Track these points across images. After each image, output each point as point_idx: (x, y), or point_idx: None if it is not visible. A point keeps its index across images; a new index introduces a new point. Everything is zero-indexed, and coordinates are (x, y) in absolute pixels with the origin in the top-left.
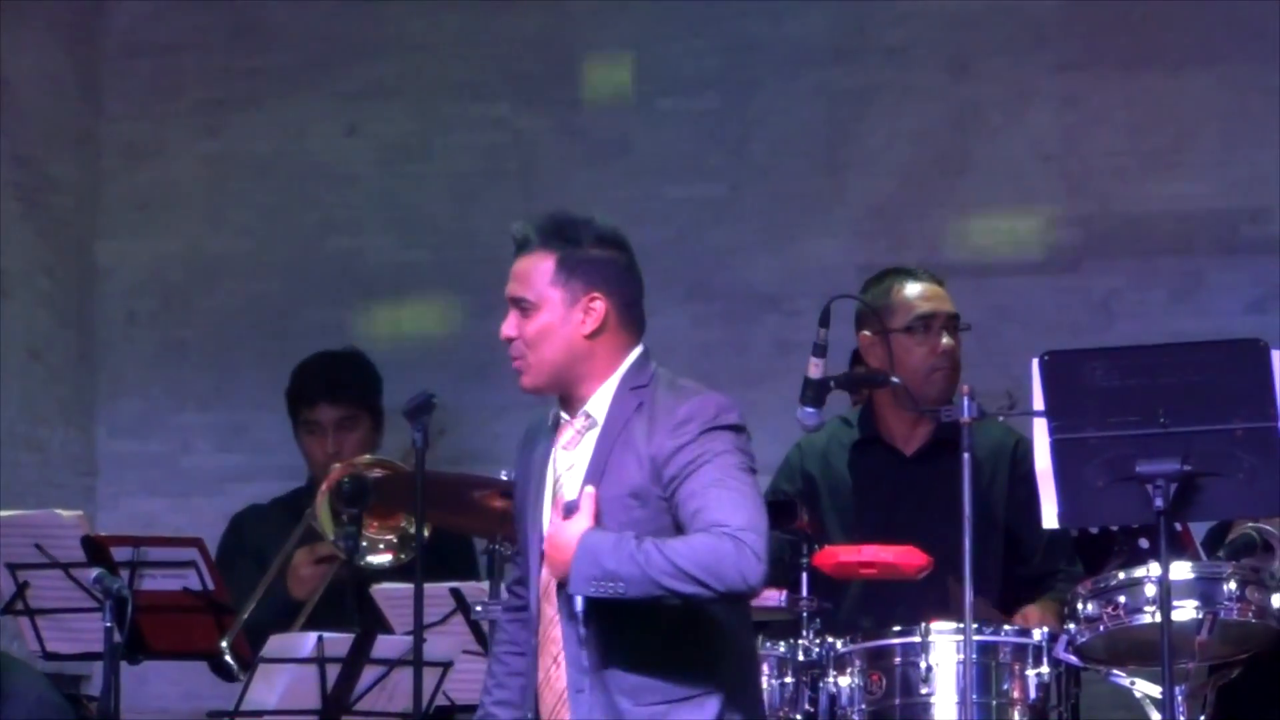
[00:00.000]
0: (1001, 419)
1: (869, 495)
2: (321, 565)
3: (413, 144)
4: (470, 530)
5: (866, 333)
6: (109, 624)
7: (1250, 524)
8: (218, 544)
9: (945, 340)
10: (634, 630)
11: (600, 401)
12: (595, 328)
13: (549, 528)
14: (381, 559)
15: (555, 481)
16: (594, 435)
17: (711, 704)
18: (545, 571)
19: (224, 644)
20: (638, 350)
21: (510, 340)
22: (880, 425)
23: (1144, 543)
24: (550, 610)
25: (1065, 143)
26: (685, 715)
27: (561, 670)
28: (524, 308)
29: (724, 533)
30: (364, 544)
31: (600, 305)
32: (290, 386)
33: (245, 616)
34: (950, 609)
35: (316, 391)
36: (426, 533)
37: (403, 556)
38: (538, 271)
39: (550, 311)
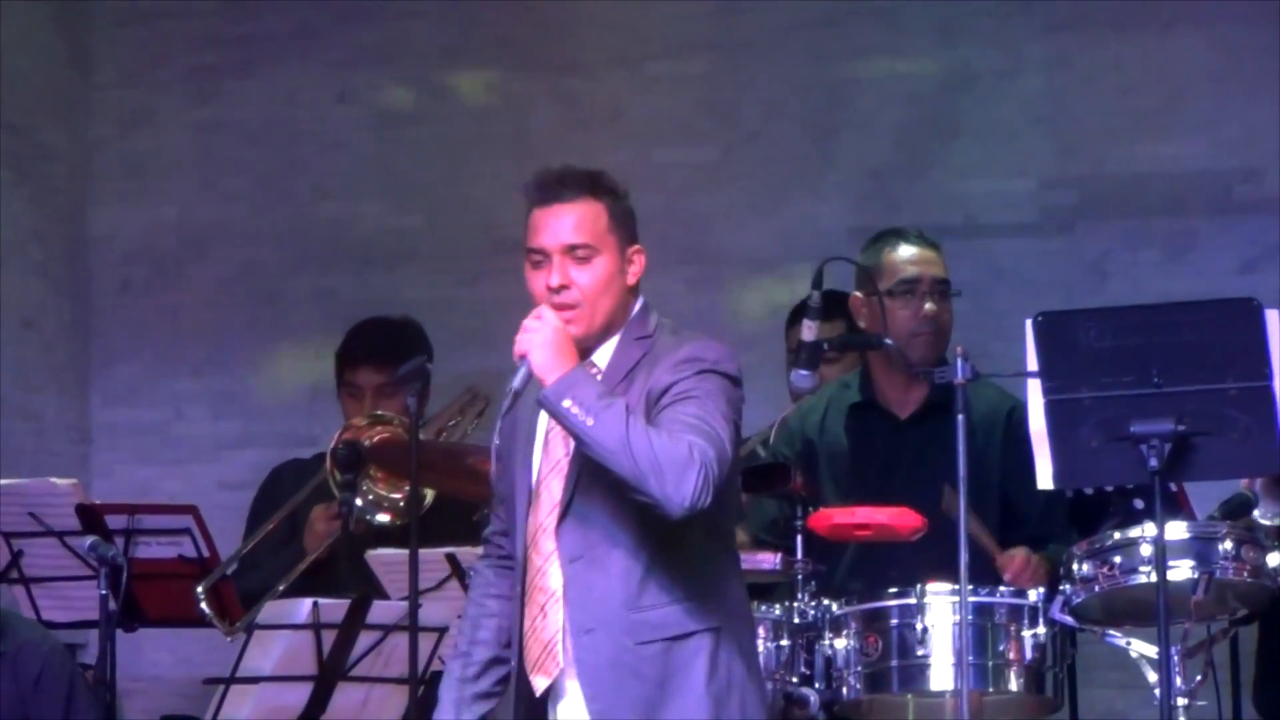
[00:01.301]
0: (997, 382)
1: (865, 458)
2: (336, 521)
3: (404, 110)
4: (465, 495)
5: (858, 294)
6: (104, 592)
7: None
8: (255, 493)
9: (928, 305)
10: (637, 569)
11: (605, 351)
12: (635, 281)
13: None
14: (383, 518)
15: (548, 431)
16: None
17: (707, 644)
18: (533, 519)
19: (199, 589)
20: (640, 301)
21: (560, 289)
22: (876, 388)
23: (1139, 503)
24: (539, 559)
25: (1057, 104)
26: (684, 655)
27: (549, 619)
28: (581, 255)
29: (691, 443)
30: (370, 499)
31: (641, 258)
32: (340, 347)
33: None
34: (941, 509)
35: (361, 355)
36: (431, 497)
37: (398, 521)
38: (592, 218)
39: (610, 259)
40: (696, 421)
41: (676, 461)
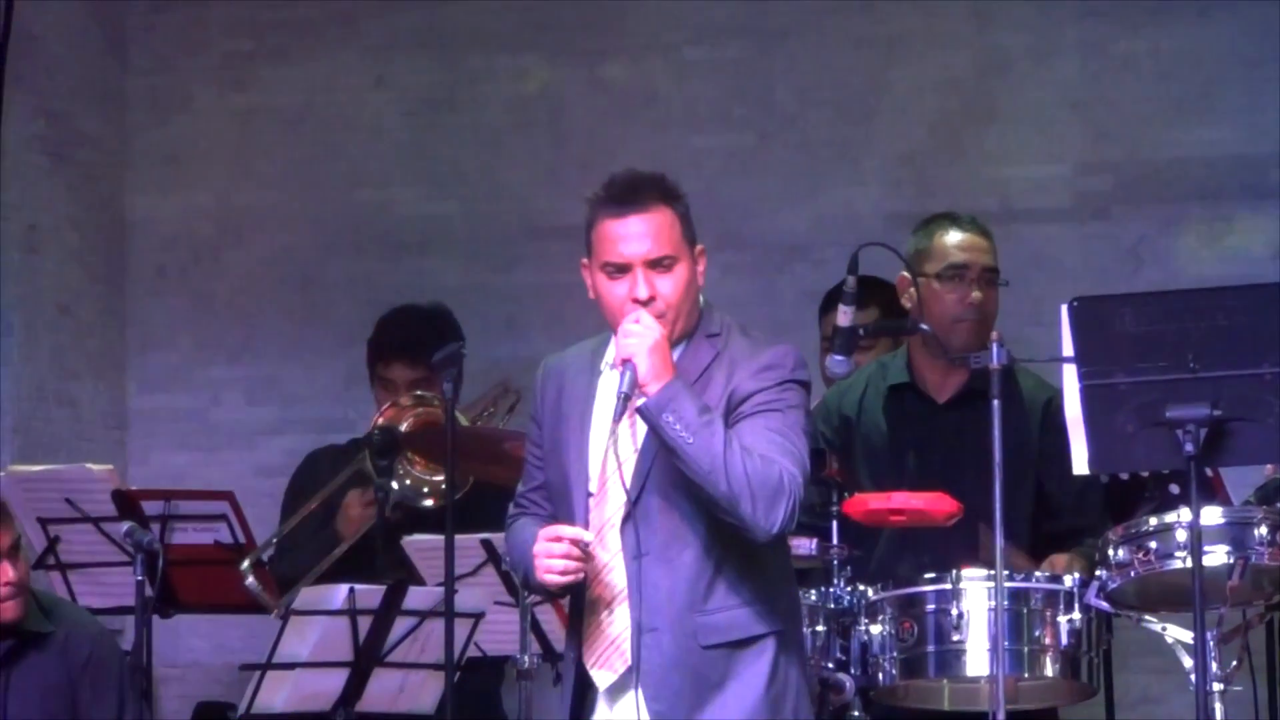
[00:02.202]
0: (1036, 370)
1: (901, 441)
2: (371, 507)
3: (440, 96)
4: (502, 481)
5: (905, 274)
6: (140, 578)
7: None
8: (291, 477)
9: (975, 293)
10: (705, 572)
11: (677, 350)
12: (703, 280)
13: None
14: (425, 501)
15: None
16: None
17: (770, 647)
18: (596, 514)
19: (244, 565)
20: (702, 298)
21: (647, 301)
22: (915, 371)
23: (1174, 488)
24: (605, 555)
25: (1092, 90)
26: (747, 658)
27: (615, 616)
28: (665, 265)
29: (783, 470)
30: (408, 483)
31: (704, 257)
32: (372, 337)
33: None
34: (979, 558)
35: (394, 350)
36: (470, 481)
37: (439, 503)
38: (669, 226)
39: (687, 266)
40: (783, 440)
41: (768, 487)
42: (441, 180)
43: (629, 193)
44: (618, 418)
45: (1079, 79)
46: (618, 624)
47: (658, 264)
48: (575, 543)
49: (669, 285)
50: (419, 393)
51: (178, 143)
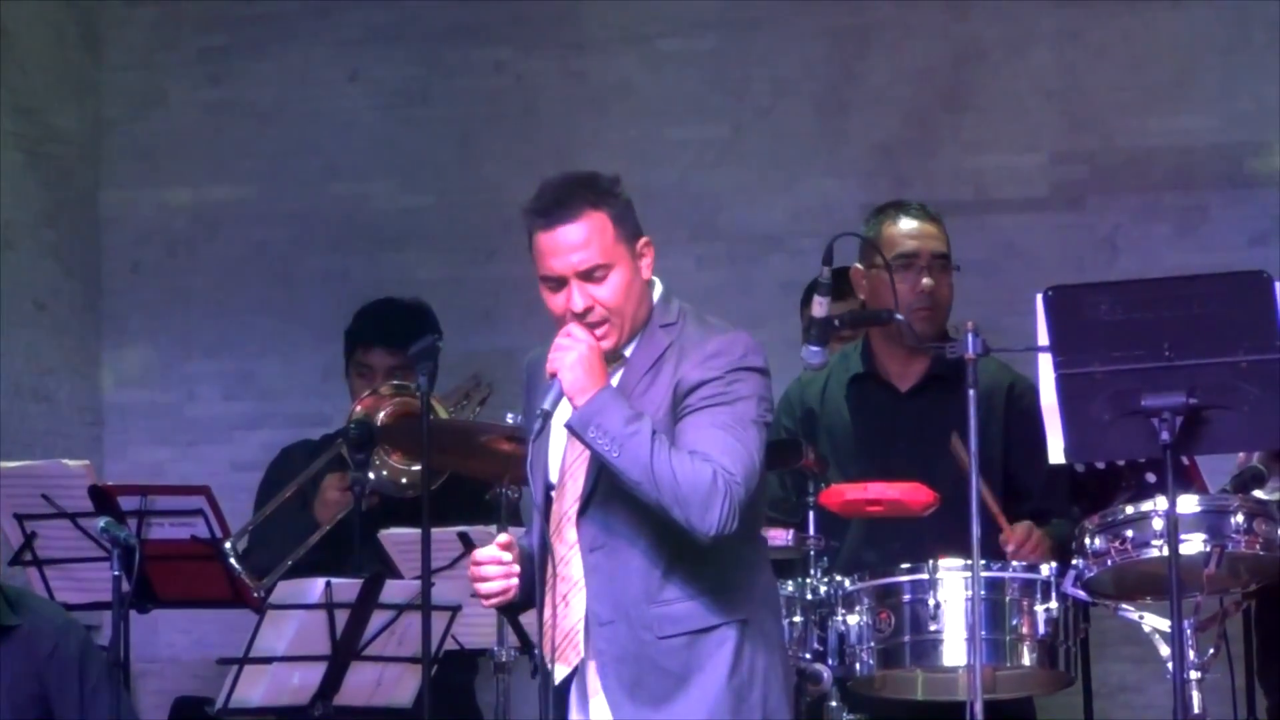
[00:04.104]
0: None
1: (864, 431)
2: (349, 493)
3: (415, 89)
4: (477, 474)
5: (859, 265)
6: (117, 573)
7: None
8: (264, 471)
9: (925, 280)
10: (659, 563)
11: (631, 343)
12: (649, 273)
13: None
14: (403, 491)
15: (535, 429)
16: (622, 371)
17: (731, 637)
18: (557, 507)
19: (228, 545)
20: (659, 288)
21: (584, 312)
22: (876, 360)
23: (1151, 477)
24: (563, 548)
25: (1066, 78)
26: (707, 648)
27: (570, 608)
28: (597, 276)
29: (717, 470)
30: (384, 473)
31: (650, 250)
32: (350, 326)
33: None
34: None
35: (373, 336)
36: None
37: (416, 493)
38: (599, 232)
39: (624, 268)
40: (725, 435)
41: (700, 491)
42: (417, 174)
43: (555, 204)
44: (535, 435)
45: (1054, 68)
46: (573, 616)
47: (590, 275)
48: (497, 562)
49: (606, 292)
50: (396, 382)
51: (153, 138)
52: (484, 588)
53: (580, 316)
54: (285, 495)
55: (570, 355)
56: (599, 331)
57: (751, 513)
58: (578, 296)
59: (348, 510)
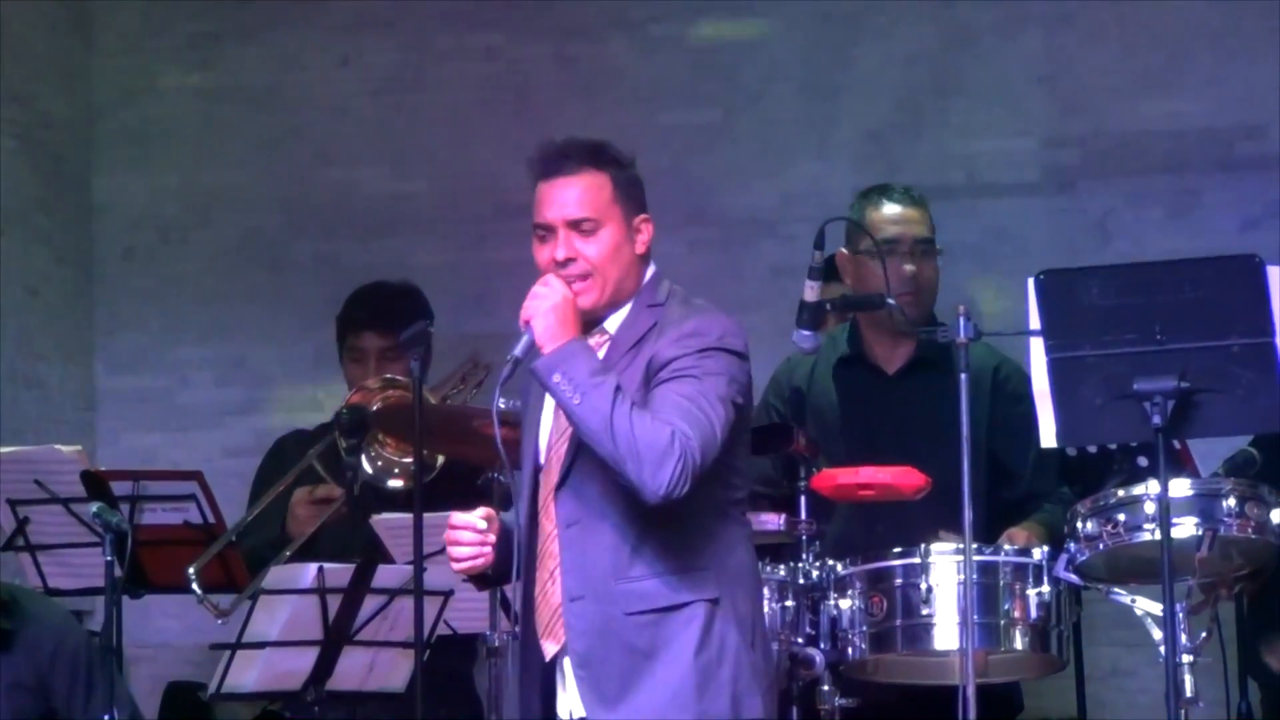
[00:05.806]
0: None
1: (851, 413)
2: (317, 505)
3: (406, 75)
4: (471, 459)
5: (844, 250)
6: (109, 558)
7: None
8: (259, 463)
9: (908, 266)
10: (627, 540)
11: (617, 319)
12: (644, 250)
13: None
14: (394, 483)
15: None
16: (606, 347)
17: (699, 615)
18: (544, 484)
19: (190, 570)
20: (652, 269)
21: (566, 263)
22: (864, 344)
23: (1143, 460)
24: (549, 525)
25: (1058, 63)
26: (674, 626)
27: (557, 585)
28: (585, 229)
29: (675, 431)
30: (379, 465)
31: (649, 227)
32: (341, 312)
33: (233, 542)
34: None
35: (365, 319)
36: (439, 463)
37: (409, 485)
38: (596, 190)
39: (615, 230)
40: (688, 404)
41: (656, 449)
42: (409, 159)
43: (558, 155)
44: (503, 381)
45: (1045, 52)
46: (559, 592)
47: (578, 226)
48: (472, 528)
49: (591, 248)
50: (387, 375)
51: (144, 124)
52: (455, 551)
53: (561, 266)
54: (280, 489)
55: (544, 303)
56: (577, 286)
57: (725, 486)
58: (561, 246)
59: (319, 522)
